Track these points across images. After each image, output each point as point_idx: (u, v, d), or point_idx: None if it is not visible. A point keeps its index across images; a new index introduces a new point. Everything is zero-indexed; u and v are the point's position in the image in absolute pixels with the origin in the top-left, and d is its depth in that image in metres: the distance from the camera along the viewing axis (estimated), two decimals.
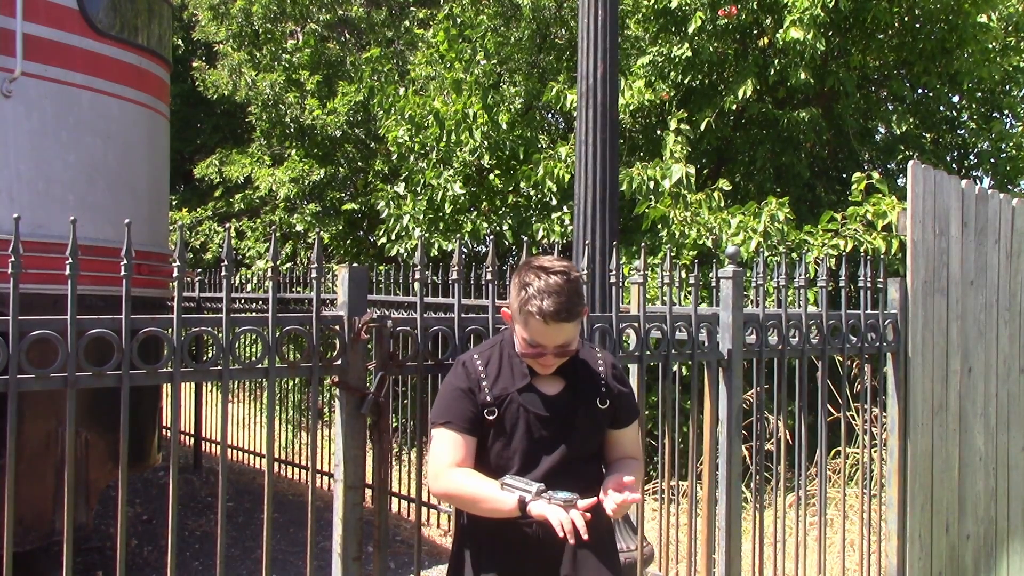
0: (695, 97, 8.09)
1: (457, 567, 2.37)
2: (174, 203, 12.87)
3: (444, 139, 7.95)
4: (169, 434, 2.79)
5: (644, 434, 2.95)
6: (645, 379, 3.06)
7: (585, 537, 2.05)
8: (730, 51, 7.97)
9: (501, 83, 8.79)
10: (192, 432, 8.14)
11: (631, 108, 7.72)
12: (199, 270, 8.76)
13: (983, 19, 7.60)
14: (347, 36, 12.00)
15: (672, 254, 3.30)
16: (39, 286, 3.81)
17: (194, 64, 11.90)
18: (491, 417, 2.25)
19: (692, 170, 6.89)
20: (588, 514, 2.09)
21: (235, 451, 8.00)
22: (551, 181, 7.38)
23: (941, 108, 8.82)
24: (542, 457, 2.24)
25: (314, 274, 2.40)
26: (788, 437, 3.80)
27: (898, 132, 8.13)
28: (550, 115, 9.73)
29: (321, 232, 4.47)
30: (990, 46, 7.91)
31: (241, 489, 7.17)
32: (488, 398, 2.26)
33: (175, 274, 2.19)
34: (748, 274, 3.80)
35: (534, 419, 2.25)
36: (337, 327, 2.39)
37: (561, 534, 2.04)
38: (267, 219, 11.29)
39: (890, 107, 8.55)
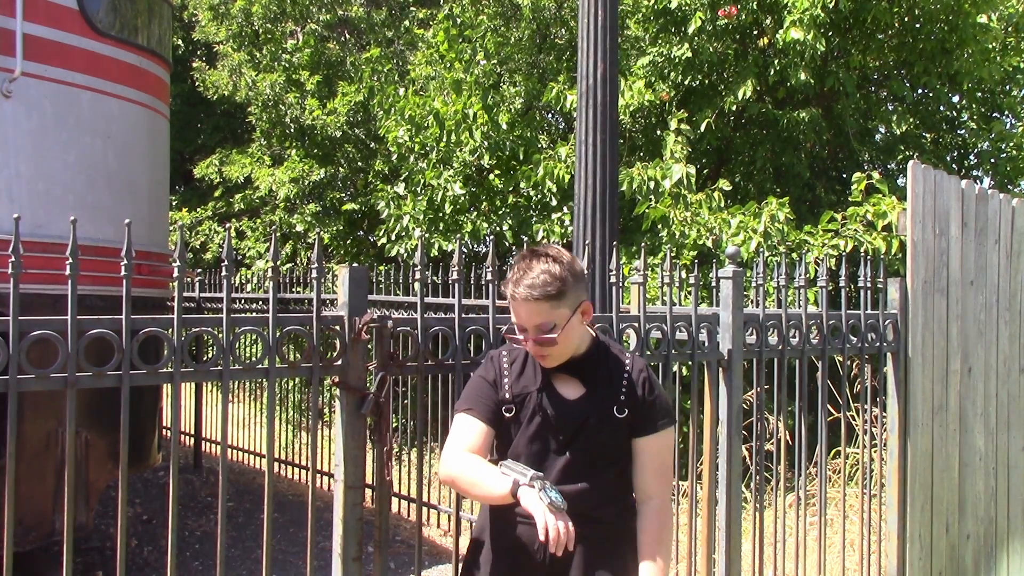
0: (695, 97, 8.09)
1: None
2: (174, 203, 12.87)
3: (444, 139, 7.95)
4: (169, 434, 2.79)
5: None
6: None
7: (570, 548, 2.02)
8: (730, 51, 7.97)
9: (501, 83, 8.79)
10: (192, 432, 8.14)
11: (631, 108, 7.72)
12: (199, 270, 8.76)
13: (983, 19, 7.60)
14: (347, 36, 12.00)
15: (672, 254, 3.30)
16: (39, 286, 3.81)
17: (194, 64, 11.90)
18: (508, 415, 2.25)
19: (692, 170, 6.89)
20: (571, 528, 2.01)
21: (235, 451, 8.00)
22: (551, 181, 7.38)
23: (941, 108, 8.82)
24: (554, 460, 2.22)
25: (314, 274, 2.40)
26: (788, 437, 3.80)
27: (898, 132, 8.12)
28: (550, 115, 9.73)
29: (321, 232, 4.47)
30: (990, 46, 7.91)
31: (241, 489, 7.17)
32: (507, 395, 2.26)
33: (175, 274, 2.19)
34: (748, 274, 3.81)
35: (548, 421, 2.23)
36: (337, 327, 2.39)
37: (542, 537, 1.98)
38: (267, 219, 11.29)
39: (890, 107, 8.55)
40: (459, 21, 8.73)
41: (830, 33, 7.63)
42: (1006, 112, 9.10)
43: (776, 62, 7.59)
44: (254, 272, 9.95)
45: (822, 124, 7.88)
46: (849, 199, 6.69)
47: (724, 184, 7.08)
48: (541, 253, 2.20)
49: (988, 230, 4.20)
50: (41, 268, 3.75)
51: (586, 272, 3.21)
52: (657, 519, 2.24)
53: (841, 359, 3.59)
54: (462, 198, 7.86)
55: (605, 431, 2.22)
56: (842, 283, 3.57)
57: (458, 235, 5.88)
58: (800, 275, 3.52)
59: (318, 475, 6.94)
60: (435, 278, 5.65)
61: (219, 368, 2.24)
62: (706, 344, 3.11)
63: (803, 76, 7.16)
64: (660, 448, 2.27)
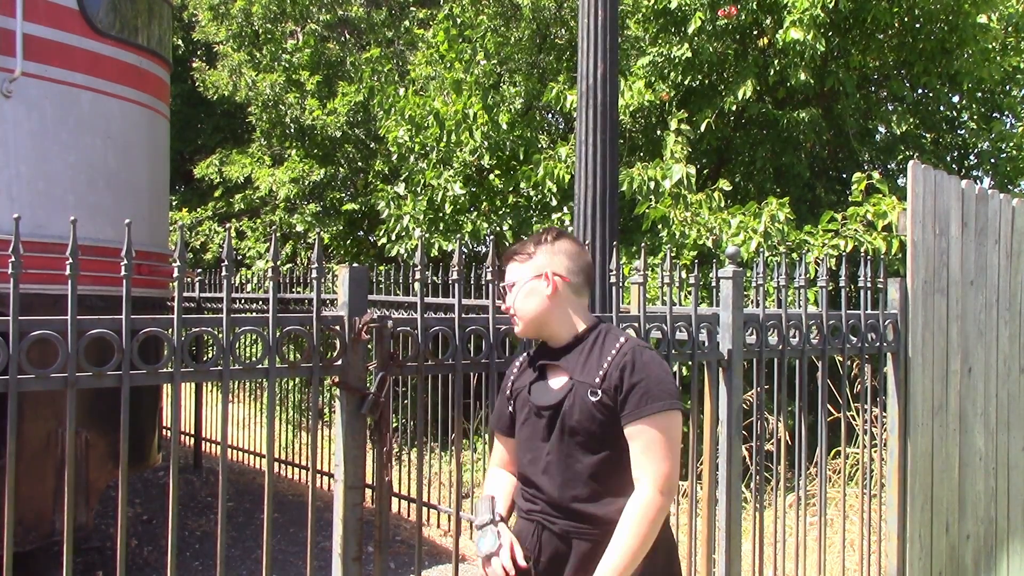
0: (695, 97, 8.09)
1: None
2: (174, 203, 12.88)
3: (444, 139, 7.95)
4: (169, 434, 2.79)
5: None
6: None
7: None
8: (730, 51, 7.97)
9: (501, 83, 8.79)
10: (192, 432, 8.14)
11: (631, 108, 7.72)
12: (199, 270, 8.76)
13: (983, 19, 7.60)
14: (347, 36, 12.00)
15: (672, 254, 3.30)
16: (39, 286, 3.81)
17: (194, 64, 11.90)
18: (511, 410, 2.35)
19: (692, 170, 6.89)
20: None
21: (235, 451, 8.00)
22: (551, 181, 7.38)
23: (941, 108, 8.82)
24: (540, 449, 2.24)
25: (314, 274, 2.40)
26: (788, 437, 3.80)
27: (898, 132, 8.13)
28: (550, 115, 9.74)
29: (321, 232, 4.46)
30: (990, 46, 7.91)
31: (241, 489, 7.17)
32: (509, 392, 2.37)
33: (175, 274, 2.19)
34: (748, 274, 3.81)
35: (532, 409, 2.27)
36: (337, 327, 2.39)
37: None
38: (267, 219, 11.29)
39: (890, 107, 8.55)
40: (459, 21, 8.73)
41: (830, 33, 7.63)
42: (1006, 112, 9.10)
43: (776, 62, 7.60)
44: (254, 272, 9.95)
45: (822, 124, 7.88)
46: (849, 199, 6.69)
47: (724, 184, 7.08)
48: (544, 231, 2.34)
49: (988, 230, 4.20)
50: (41, 268, 3.75)
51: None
52: (631, 505, 2.11)
53: (841, 359, 3.59)
54: (462, 198, 7.86)
55: (579, 416, 2.18)
56: (842, 283, 3.57)
57: (458, 235, 5.90)
58: (800, 275, 3.52)
59: (318, 475, 6.94)
60: (435, 278, 5.65)
61: (219, 368, 2.24)
62: (706, 344, 3.11)
63: (803, 76, 7.16)
64: (646, 434, 2.12)
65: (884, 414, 3.80)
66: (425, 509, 5.93)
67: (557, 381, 2.27)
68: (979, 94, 8.76)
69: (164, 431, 5.81)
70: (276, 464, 7.06)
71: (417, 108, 8.14)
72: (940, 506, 3.88)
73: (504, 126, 7.86)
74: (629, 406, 2.14)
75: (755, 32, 7.95)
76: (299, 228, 10.48)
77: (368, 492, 2.58)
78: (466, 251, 8.48)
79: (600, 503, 2.18)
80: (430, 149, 8.17)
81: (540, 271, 2.26)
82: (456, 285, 2.63)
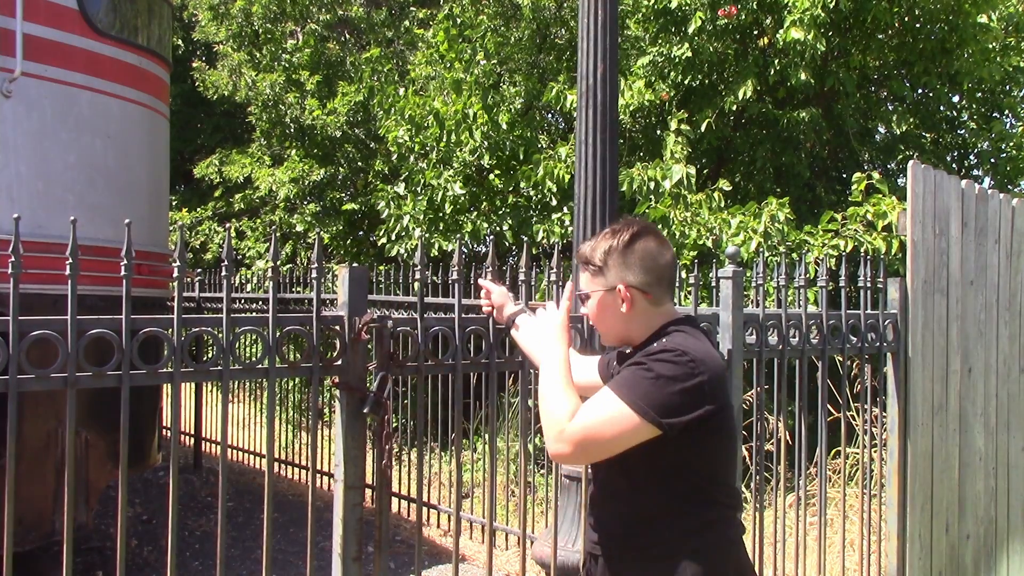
0: (695, 97, 8.09)
1: None
2: (174, 203, 12.87)
3: (444, 139, 7.95)
4: (169, 434, 2.79)
5: None
6: None
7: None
8: (730, 51, 7.97)
9: (501, 83, 8.79)
10: (192, 432, 8.14)
11: (631, 108, 7.72)
12: (199, 270, 8.75)
13: (983, 19, 7.60)
14: (347, 36, 12.00)
15: None
16: (39, 286, 3.80)
17: (194, 64, 11.90)
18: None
19: (692, 170, 6.89)
20: None
21: (235, 451, 8.00)
22: (551, 181, 7.38)
23: (941, 108, 8.82)
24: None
25: (314, 274, 2.40)
26: (788, 437, 3.80)
27: (898, 132, 8.13)
28: (550, 115, 9.74)
29: (321, 232, 4.47)
30: (990, 46, 7.91)
31: (241, 489, 7.16)
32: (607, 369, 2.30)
33: (175, 274, 2.19)
34: (748, 274, 3.80)
35: None
36: (337, 327, 2.39)
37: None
38: (267, 219, 11.29)
39: (890, 107, 8.55)
40: (459, 21, 8.73)
41: (830, 33, 7.63)
42: (1006, 112, 9.10)
43: (776, 62, 7.59)
44: (254, 272, 9.95)
45: (822, 124, 7.87)
46: (849, 199, 6.69)
47: (724, 184, 7.07)
48: (613, 227, 2.08)
49: (988, 230, 4.20)
50: (41, 268, 3.74)
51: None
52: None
53: (841, 359, 3.59)
54: (462, 198, 7.85)
55: None
56: (842, 283, 3.57)
57: (458, 235, 5.89)
58: (800, 275, 3.52)
59: (318, 475, 6.94)
60: (435, 278, 5.64)
61: (219, 368, 2.24)
62: None
63: (803, 76, 7.15)
64: (603, 394, 1.92)
65: (884, 414, 3.80)
66: (425, 509, 5.93)
67: None
68: (979, 94, 8.76)
69: (164, 431, 5.81)
70: (276, 464, 7.06)
71: (417, 108, 8.14)
72: (940, 506, 3.87)
73: (504, 126, 7.85)
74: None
75: (755, 32, 7.95)
76: (299, 228, 10.48)
77: (368, 492, 2.58)
78: (466, 251, 8.47)
79: (621, 521, 2.06)
80: (430, 149, 8.17)
81: (612, 285, 2.03)
82: (456, 285, 2.63)
